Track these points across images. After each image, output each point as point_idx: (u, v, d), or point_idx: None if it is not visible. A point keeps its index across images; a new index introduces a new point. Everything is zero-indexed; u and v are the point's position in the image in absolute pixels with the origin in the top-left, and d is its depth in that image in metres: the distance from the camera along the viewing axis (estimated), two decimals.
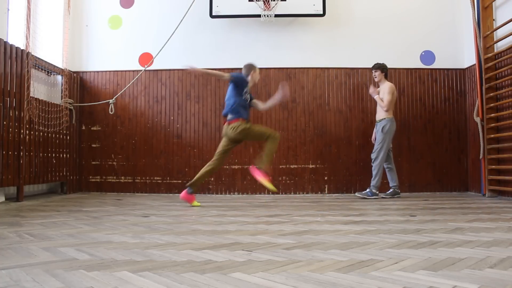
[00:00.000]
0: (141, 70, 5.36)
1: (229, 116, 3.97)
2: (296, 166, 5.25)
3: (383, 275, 1.47)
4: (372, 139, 4.92)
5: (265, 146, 3.99)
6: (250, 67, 4.12)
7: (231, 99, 3.96)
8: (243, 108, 3.98)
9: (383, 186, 4.82)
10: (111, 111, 5.30)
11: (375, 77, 4.71)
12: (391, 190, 4.68)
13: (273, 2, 5.06)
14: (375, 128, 4.78)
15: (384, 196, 4.65)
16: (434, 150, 5.28)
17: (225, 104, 4.03)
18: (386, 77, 4.69)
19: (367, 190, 4.56)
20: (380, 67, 4.66)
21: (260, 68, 5.27)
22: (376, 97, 4.65)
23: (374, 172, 4.56)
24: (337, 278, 1.44)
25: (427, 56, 5.36)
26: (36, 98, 4.46)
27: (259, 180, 3.94)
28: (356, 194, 4.68)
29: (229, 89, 4.01)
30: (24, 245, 2.00)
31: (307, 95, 5.32)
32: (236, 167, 5.26)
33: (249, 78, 4.07)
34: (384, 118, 4.59)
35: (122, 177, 5.32)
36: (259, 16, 5.09)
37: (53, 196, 4.78)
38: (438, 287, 1.33)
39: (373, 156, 4.61)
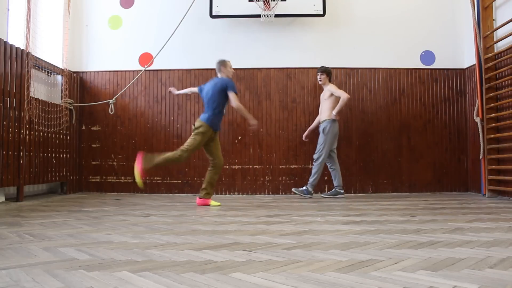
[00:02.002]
0: (141, 70, 5.36)
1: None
2: (296, 166, 5.25)
3: (383, 275, 1.47)
4: (303, 136, 5.03)
5: (164, 155, 3.79)
6: (219, 63, 4.02)
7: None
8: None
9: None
10: (111, 111, 5.30)
11: (320, 80, 4.80)
12: (333, 190, 4.78)
13: (273, 2, 5.06)
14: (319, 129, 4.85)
15: (324, 196, 4.75)
16: (434, 150, 5.28)
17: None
18: (330, 80, 4.82)
19: (304, 187, 4.66)
20: (326, 70, 4.79)
21: (260, 68, 5.33)
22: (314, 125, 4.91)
23: (313, 171, 4.66)
24: (337, 278, 1.44)
25: (427, 56, 5.36)
26: (36, 98, 4.45)
27: (136, 169, 3.67)
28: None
29: (218, 92, 3.90)
30: (24, 245, 2.00)
31: (307, 95, 5.32)
32: (236, 167, 5.26)
33: (221, 74, 3.99)
34: (326, 120, 4.68)
35: (122, 177, 5.32)
36: (259, 16, 5.09)
37: (53, 196, 4.78)
38: (438, 287, 1.32)
39: (315, 156, 4.69)
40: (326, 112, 4.70)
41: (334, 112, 4.65)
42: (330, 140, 4.63)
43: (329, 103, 4.69)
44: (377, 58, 5.33)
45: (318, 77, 4.80)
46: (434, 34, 5.36)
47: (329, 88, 4.71)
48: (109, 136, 5.38)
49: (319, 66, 5.34)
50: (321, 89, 5.32)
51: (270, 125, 5.26)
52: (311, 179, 4.66)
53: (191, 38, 5.40)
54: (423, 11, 5.39)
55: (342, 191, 4.76)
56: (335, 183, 4.77)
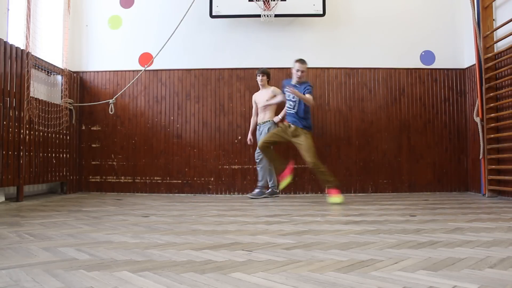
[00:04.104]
0: (141, 70, 5.36)
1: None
2: (296, 166, 5.23)
3: (383, 275, 1.47)
4: (248, 140, 5.04)
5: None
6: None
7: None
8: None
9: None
10: (111, 111, 5.30)
11: (261, 81, 4.85)
12: (269, 190, 4.82)
13: (273, 2, 5.06)
14: (257, 131, 4.90)
15: (251, 197, 4.74)
16: (434, 150, 5.28)
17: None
18: (268, 82, 4.90)
19: (269, 189, 4.78)
20: (266, 72, 4.88)
21: (260, 68, 5.31)
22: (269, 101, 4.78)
23: (260, 174, 4.80)
24: (337, 278, 1.44)
25: (427, 56, 5.36)
26: (36, 98, 4.45)
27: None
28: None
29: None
30: (24, 245, 2.00)
31: None
32: (236, 167, 5.26)
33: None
34: (268, 121, 4.79)
35: (122, 177, 5.32)
36: (259, 16, 5.09)
37: (53, 196, 4.78)
38: (438, 287, 1.33)
39: (258, 158, 4.80)
40: (269, 113, 4.79)
41: (279, 117, 4.77)
42: None
43: (273, 105, 4.78)
44: (377, 58, 5.32)
45: (259, 78, 4.84)
46: (434, 34, 5.36)
47: (273, 90, 4.77)
48: (109, 136, 5.38)
49: (319, 66, 5.35)
50: (322, 90, 5.32)
51: None
52: (269, 182, 4.78)
53: (191, 38, 5.39)
54: (423, 11, 5.38)
55: (277, 191, 4.82)
56: (270, 184, 4.81)
